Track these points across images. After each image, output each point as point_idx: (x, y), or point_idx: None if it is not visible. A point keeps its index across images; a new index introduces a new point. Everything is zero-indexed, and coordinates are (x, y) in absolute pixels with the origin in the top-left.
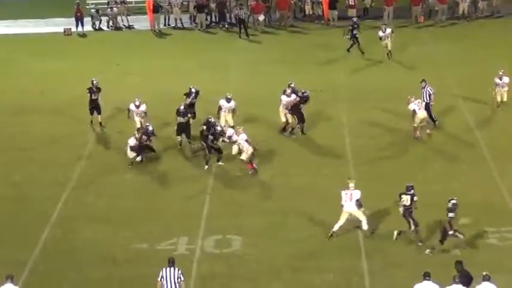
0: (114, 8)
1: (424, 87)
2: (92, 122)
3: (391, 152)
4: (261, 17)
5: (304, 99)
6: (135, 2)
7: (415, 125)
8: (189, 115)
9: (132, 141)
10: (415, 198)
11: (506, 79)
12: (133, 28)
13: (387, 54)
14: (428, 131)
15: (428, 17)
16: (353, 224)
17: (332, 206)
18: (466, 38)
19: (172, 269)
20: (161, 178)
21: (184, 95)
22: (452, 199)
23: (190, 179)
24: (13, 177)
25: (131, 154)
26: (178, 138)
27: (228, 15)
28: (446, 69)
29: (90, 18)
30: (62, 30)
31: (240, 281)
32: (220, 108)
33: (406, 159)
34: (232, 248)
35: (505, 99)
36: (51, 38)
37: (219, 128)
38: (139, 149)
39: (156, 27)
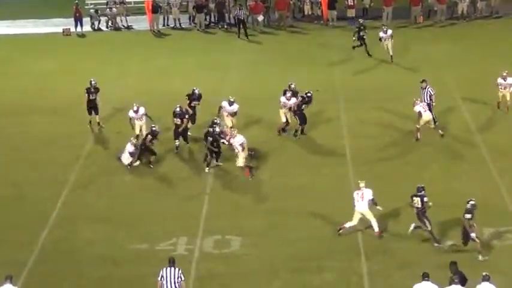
0: (113, 9)
1: (425, 88)
2: (90, 122)
3: (391, 152)
4: (260, 17)
5: (307, 100)
6: (134, 2)
7: (419, 126)
8: (186, 116)
9: (131, 148)
10: (425, 199)
11: (510, 80)
12: (133, 28)
13: (390, 57)
14: (440, 131)
15: (427, 17)
16: (364, 224)
17: (332, 206)
18: (465, 38)
19: (172, 268)
20: (160, 178)
21: (187, 95)
22: (471, 200)
23: (189, 179)
24: (12, 177)
25: (127, 160)
26: (176, 142)
27: (227, 15)
28: (445, 69)
29: (89, 19)
30: (61, 31)
31: (239, 281)
32: (220, 109)
33: (405, 159)
34: (231, 248)
35: (508, 99)
36: (50, 38)
37: (217, 129)
38: (141, 151)
39: (155, 27)
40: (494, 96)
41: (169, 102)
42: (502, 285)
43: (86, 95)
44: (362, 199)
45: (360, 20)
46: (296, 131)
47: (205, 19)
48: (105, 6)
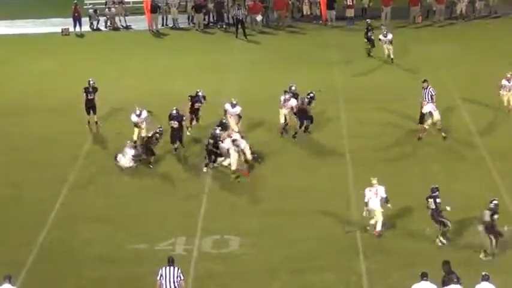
0: (112, 8)
1: (426, 88)
2: (89, 122)
3: (390, 152)
4: (259, 17)
5: (310, 100)
6: (133, 2)
7: (427, 126)
8: (183, 119)
9: (131, 151)
10: (438, 200)
11: None
12: (131, 28)
13: (391, 59)
14: (443, 134)
15: (426, 17)
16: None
17: (331, 206)
18: (464, 38)
19: (171, 268)
20: (159, 178)
21: (190, 96)
22: (494, 199)
23: (188, 179)
24: (11, 177)
25: (129, 163)
26: (174, 145)
27: (225, 15)
28: (444, 69)
29: (88, 19)
30: (60, 31)
31: (237, 281)
32: (225, 112)
33: (404, 159)
34: (229, 248)
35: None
36: (49, 38)
37: (217, 132)
38: (144, 150)
39: (154, 27)
40: (494, 96)
41: (169, 102)
42: (502, 285)
43: (84, 94)
44: (376, 196)
45: (367, 20)
46: (295, 132)
47: (204, 19)
48: (104, 6)
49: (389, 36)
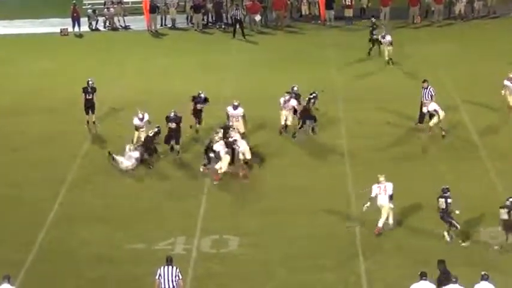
0: (111, 9)
1: (426, 88)
2: (88, 122)
3: (389, 152)
4: (258, 17)
5: (314, 101)
6: (131, 2)
7: (431, 124)
8: (181, 121)
9: (135, 153)
10: (449, 201)
11: None
12: (130, 28)
13: (390, 60)
14: (443, 132)
15: (425, 17)
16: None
17: (329, 206)
18: (463, 38)
19: (170, 267)
20: (158, 178)
21: (192, 97)
22: (511, 197)
23: (187, 179)
24: (10, 177)
25: (131, 165)
26: (169, 146)
27: (224, 15)
28: (443, 69)
29: (86, 19)
30: (59, 31)
31: (236, 281)
32: (228, 115)
33: (403, 159)
34: (229, 248)
35: None
36: (47, 38)
37: (217, 137)
38: (145, 149)
39: (153, 27)
40: (493, 95)
41: (168, 102)
42: (501, 285)
43: (83, 94)
44: (385, 193)
45: (372, 19)
46: (295, 132)
47: (203, 19)
48: (102, 6)
49: (388, 37)
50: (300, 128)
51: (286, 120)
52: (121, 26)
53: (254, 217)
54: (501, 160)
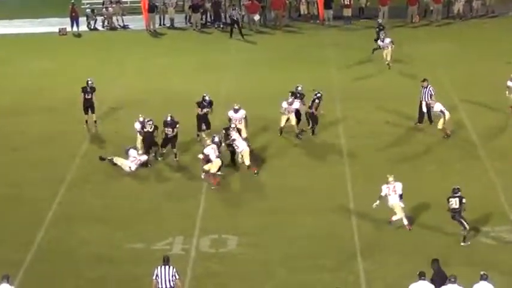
0: (110, 8)
1: (426, 87)
2: (86, 121)
3: (388, 152)
4: (256, 17)
5: (318, 101)
6: (130, 1)
7: (440, 126)
8: (177, 126)
9: (143, 157)
10: (464, 200)
11: None
12: (129, 28)
13: (388, 64)
14: (448, 132)
15: (423, 17)
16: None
17: (328, 206)
18: (461, 38)
19: (167, 267)
20: (157, 178)
21: (196, 103)
22: None
23: (186, 178)
24: (9, 176)
25: (133, 166)
26: (163, 150)
27: (223, 15)
28: (441, 69)
29: (85, 18)
30: (57, 30)
31: (235, 281)
32: (230, 120)
33: (402, 159)
34: (227, 248)
35: None
36: (46, 38)
37: (216, 139)
38: (150, 143)
39: (152, 27)
40: (491, 95)
41: (166, 102)
42: (500, 284)
43: (82, 94)
44: (395, 192)
45: (378, 20)
46: (297, 134)
47: (202, 19)
48: (101, 6)
49: (387, 40)
50: (310, 128)
51: (287, 121)
52: (119, 25)
53: (253, 217)
54: (500, 160)
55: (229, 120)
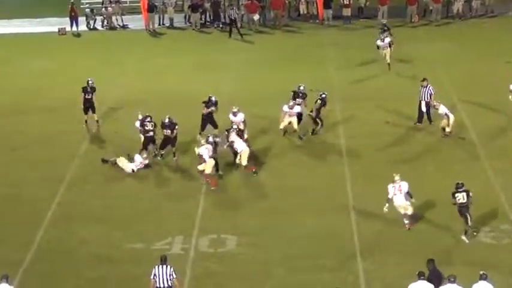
0: (109, 8)
1: (426, 86)
2: (86, 121)
3: (387, 151)
4: (256, 17)
5: (324, 102)
6: (129, 1)
7: (448, 129)
8: (177, 127)
9: (146, 160)
10: (471, 194)
11: None
12: (128, 28)
13: (388, 65)
14: (448, 131)
15: (423, 16)
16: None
17: (328, 206)
18: (461, 37)
19: (164, 266)
20: (156, 177)
21: (203, 103)
22: None
23: (185, 178)
24: (9, 176)
25: (132, 168)
26: (162, 151)
27: (222, 15)
28: (441, 68)
29: (84, 18)
30: (57, 30)
31: (234, 281)
32: (232, 122)
33: (402, 158)
34: (227, 248)
35: None
36: (46, 38)
37: (210, 139)
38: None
39: (151, 26)
40: (491, 94)
41: (166, 101)
42: (499, 284)
43: (82, 94)
44: (400, 192)
45: (383, 20)
46: (299, 135)
47: (201, 18)
48: (100, 6)
49: (387, 40)
50: (319, 128)
51: (289, 124)
52: (119, 25)
53: (252, 217)
54: (500, 159)
55: (231, 122)
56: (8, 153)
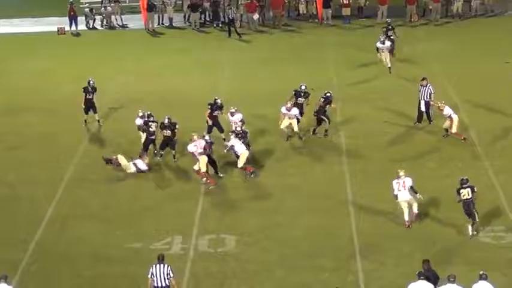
0: (108, 7)
1: (425, 86)
2: (85, 121)
3: (387, 151)
4: (255, 16)
5: (330, 100)
6: (129, 1)
7: (453, 130)
8: (176, 127)
9: (143, 166)
10: (476, 189)
11: None
12: (127, 27)
13: (389, 68)
14: (449, 132)
15: (422, 16)
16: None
17: (327, 205)
18: (460, 37)
19: (162, 265)
20: (155, 177)
21: (209, 104)
22: None
23: (184, 178)
24: (7, 176)
25: (133, 169)
26: (161, 152)
27: (221, 14)
28: (440, 68)
29: (84, 18)
30: (56, 30)
31: (233, 280)
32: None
33: (401, 158)
34: (226, 247)
35: None
36: (45, 37)
37: (206, 137)
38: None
39: (150, 26)
40: (490, 94)
41: (165, 101)
42: (499, 284)
43: (84, 94)
44: (404, 188)
45: (387, 19)
46: (300, 136)
47: (200, 18)
48: (100, 5)
49: (387, 43)
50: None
51: (289, 125)
52: (118, 24)
53: (252, 216)
54: (500, 159)
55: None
56: (8, 153)
